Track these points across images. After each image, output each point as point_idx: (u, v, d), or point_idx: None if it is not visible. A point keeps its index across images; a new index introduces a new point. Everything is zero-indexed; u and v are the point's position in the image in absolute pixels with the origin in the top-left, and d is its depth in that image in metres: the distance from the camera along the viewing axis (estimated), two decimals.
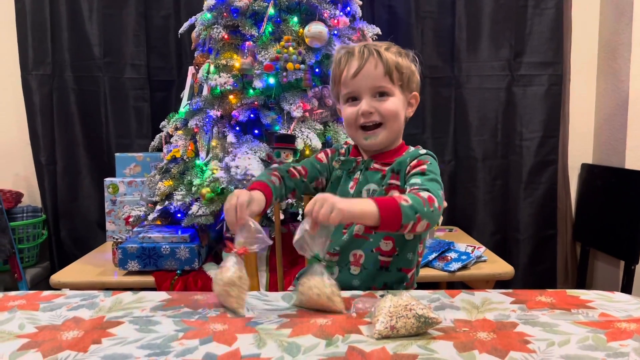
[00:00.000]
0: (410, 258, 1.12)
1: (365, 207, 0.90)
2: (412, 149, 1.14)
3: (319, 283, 0.91)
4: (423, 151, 1.10)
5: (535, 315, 0.87)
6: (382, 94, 1.09)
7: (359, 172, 1.14)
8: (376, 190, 1.11)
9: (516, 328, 0.82)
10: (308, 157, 1.25)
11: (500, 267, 1.91)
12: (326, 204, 0.86)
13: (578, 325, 0.83)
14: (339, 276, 1.14)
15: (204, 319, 0.88)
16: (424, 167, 1.04)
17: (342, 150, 1.21)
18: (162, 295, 1.00)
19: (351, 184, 1.14)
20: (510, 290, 1.00)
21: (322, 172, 1.20)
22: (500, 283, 1.91)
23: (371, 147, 1.13)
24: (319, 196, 0.88)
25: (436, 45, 2.56)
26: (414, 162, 1.07)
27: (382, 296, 0.87)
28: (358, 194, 1.13)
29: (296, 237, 0.90)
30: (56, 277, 1.81)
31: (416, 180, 1.01)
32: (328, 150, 1.24)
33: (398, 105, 1.09)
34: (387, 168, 1.11)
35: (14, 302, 0.96)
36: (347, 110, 1.11)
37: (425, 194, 0.95)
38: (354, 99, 1.10)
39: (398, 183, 1.08)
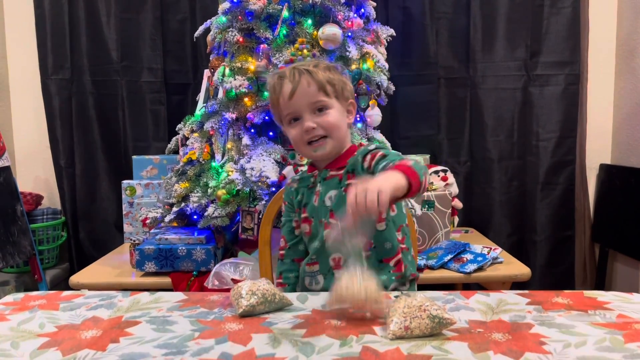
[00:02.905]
0: (389, 247, 1.14)
1: (395, 178, 0.91)
2: (362, 148, 1.16)
3: (368, 286, 0.86)
4: (372, 146, 1.13)
5: (551, 317, 0.86)
6: (321, 109, 1.12)
7: (318, 185, 1.18)
8: (336, 194, 1.14)
9: (532, 329, 0.81)
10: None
11: (517, 268, 1.89)
12: (370, 192, 0.85)
13: (595, 327, 0.82)
14: (324, 282, 1.16)
15: (220, 319, 0.89)
16: (380, 153, 1.08)
17: (296, 178, 1.27)
18: (179, 296, 1.01)
19: (314, 197, 1.18)
20: (526, 292, 0.99)
21: (294, 211, 1.25)
22: (516, 285, 1.89)
23: (322, 158, 1.17)
24: (356, 188, 0.87)
25: (451, 45, 2.55)
26: (368, 157, 1.10)
27: (396, 297, 0.87)
28: (322, 204, 1.16)
29: (333, 236, 0.89)
30: (75, 278, 1.84)
31: (385, 162, 1.03)
32: (283, 195, 1.30)
33: (337, 116, 1.14)
34: (341, 172, 1.15)
35: (35, 302, 0.98)
36: (292, 131, 1.15)
37: (405, 158, 1.00)
38: (295, 119, 1.14)
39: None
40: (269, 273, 1.37)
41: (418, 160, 1.02)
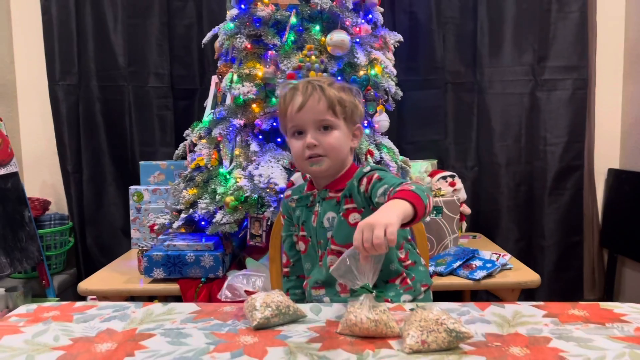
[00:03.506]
0: (393, 268, 1.14)
1: (400, 208, 0.88)
2: (357, 171, 1.15)
3: (378, 314, 0.85)
4: (367, 169, 1.12)
5: (569, 330, 0.86)
6: (326, 127, 1.11)
7: (317, 205, 1.17)
8: (335, 217, 1.13)
9: (550, 343, 0.81)
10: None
11: (526, 275, 1.88)
12: (376, 227, 0.82)
13: (614, 340, 0.81)
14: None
15: (234, 331, 0.88)
16: (376, 175, 1.07)
17: (288, 193, 1.25)
18: (192, 307, 1.01)
19: (313, 217, 1.17)
20: (541, 303, 0.98)
21: (293, 225, 1.24)
22: (525, 291, 1.89)
23: (318, 174, 1.15)
24: (362, 224, 0.84)
25: (458, 50, 2.55)
26: (364, 181, 1.09)
27: (412, 309, 0.86)
28: (320, 225, 1.15)
29: (338, 265, 0.87)
30: (84, 285, 1.84)
31: (383, 186, 1.02)
32: (280, 208, 1.30)
33: (341, 138, 1.12)
34: (340, 194, 1.13)
35: (48, 313, 0.98)
36: (295, 144, 1.13)
37: (404, 182, 0.98)
38: (299, 132, 1.13)
39: (355, 206, 1.11)
40: (279, 285, 1.36)
41: (417, 181, 1.01)
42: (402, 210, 0.88)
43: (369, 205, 1.09)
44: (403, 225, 0.90)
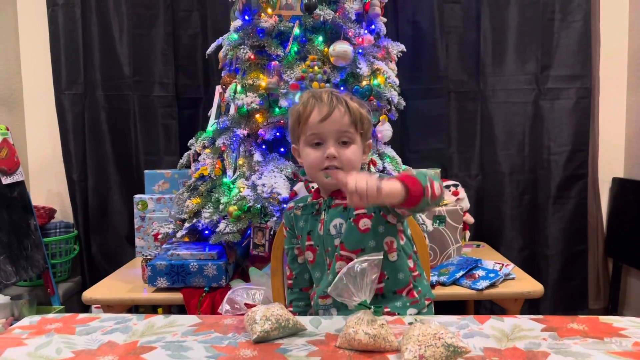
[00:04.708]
0: (402, 277, 1.14)
1: (391, 184, 0.95)
2: None
3: (376, 329, 0.85)
4: (375, 176, 1.12)
5: (567, 345, 0.86)
6: (345, 141, 1.12)
7: (323, 212, 1.17)
8: (342, 224, 1.13)
9: (547, 358, 0.81)
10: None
11: (530, 285, 1.88)
12: (369, 179, 0.91)
13: (611, 356, 0.81)
14: (339, 314, 1.15)
15: (234, 345, 0.89)
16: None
17: (291, 205, 1.26)
18: (193, 319, 1.01)
19: (319, 225, 1.18)
20: (540, 317, 0.98)
21: (295, 237, 1.24)
22: (529, 300, 1.88)
23: (331, 186, 1.16)
24: (356, 174, 0.94)
25: (461, 59, 2.56)
26: None
27: (410, 324, 0.86)
28: (327, 232, 1.15)
29: (335, 285, 0.88)
30: (88, 294, 1.86)
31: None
32: (283, 220, 1.30)
33: (357, 154, 1.14)
34: (346, 200, 1.12)
35: (51, 325, 0.99)
36: (312, 154, 1.13)
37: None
38: (318, 143, 1.12)
39: (364, 211, 1.12)
40: (281, 298, 1.37)
41: (428, 172, 1.03)
42: (392, 189, 0.95)
43: (380, 211, 1.11)
44: (403, 205, 0.98)
